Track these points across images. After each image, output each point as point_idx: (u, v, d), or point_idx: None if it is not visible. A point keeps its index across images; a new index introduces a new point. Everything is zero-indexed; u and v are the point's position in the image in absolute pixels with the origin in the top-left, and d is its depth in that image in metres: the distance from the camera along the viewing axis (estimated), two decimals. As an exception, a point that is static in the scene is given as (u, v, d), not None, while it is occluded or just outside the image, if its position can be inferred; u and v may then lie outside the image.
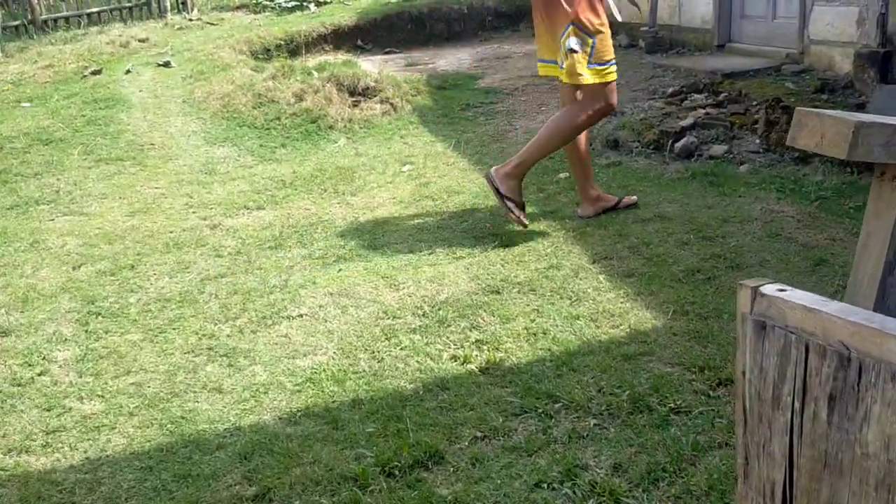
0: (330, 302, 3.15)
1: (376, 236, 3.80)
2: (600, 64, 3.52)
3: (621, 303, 2.94)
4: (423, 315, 2.97)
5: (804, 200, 3.75)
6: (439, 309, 2.99)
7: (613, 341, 2.68)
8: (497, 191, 3.61)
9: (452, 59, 7.90)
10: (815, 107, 4.82)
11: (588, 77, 3.51)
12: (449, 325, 2.88)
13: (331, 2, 10.02)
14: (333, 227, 3.96)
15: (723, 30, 6.59)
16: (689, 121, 4.80)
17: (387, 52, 8.80)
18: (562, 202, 4.02)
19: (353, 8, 9.46)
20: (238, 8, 10.71)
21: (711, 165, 4.33)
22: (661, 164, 4.46)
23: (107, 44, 8.30)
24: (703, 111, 5.01)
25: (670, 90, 5.56)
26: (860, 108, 4.96)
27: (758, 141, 4.57)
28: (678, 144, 4.56)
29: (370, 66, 7.17)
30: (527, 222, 3.64)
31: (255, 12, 10.31)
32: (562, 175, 4.36)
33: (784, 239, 3.34)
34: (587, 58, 3.48)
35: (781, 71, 5.58)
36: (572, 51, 3.46)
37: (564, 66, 3.52)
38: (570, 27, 3.45)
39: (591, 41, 3.47)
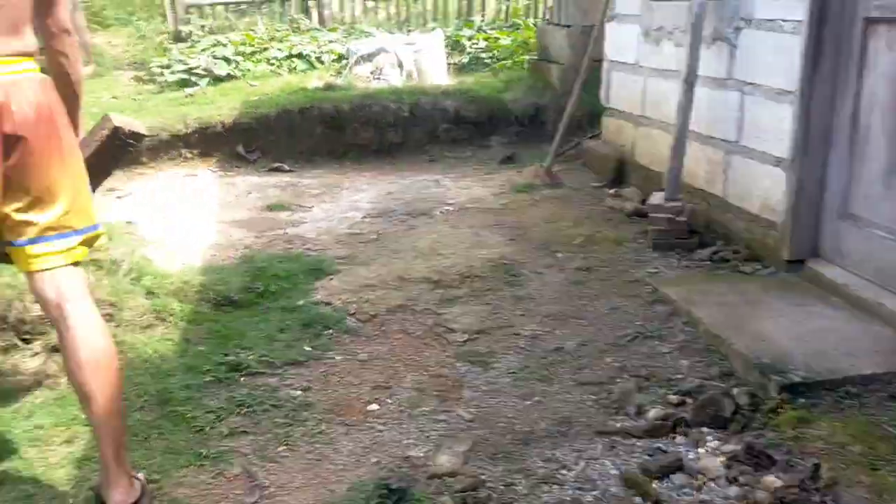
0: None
1: None
2: None
3: None
4: None
5: None
6: None
7: None
8: None
9: (345, 205, 4.84)
10: None
11: None
12: None
13: (234, 77, 7.13)
14: None
15: (803, 231, 3.41)
16: None
17: (273, 170, 5.82)
18: None
19: (245, 94, 6.50)
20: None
21: None
22: None
23: None
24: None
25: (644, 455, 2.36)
26: None
27: None
28: None
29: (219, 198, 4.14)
30: None
31: (143, 81, 7.59)
32: None
33: None
34: None
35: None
36: None
37: None
38: None
39: None
